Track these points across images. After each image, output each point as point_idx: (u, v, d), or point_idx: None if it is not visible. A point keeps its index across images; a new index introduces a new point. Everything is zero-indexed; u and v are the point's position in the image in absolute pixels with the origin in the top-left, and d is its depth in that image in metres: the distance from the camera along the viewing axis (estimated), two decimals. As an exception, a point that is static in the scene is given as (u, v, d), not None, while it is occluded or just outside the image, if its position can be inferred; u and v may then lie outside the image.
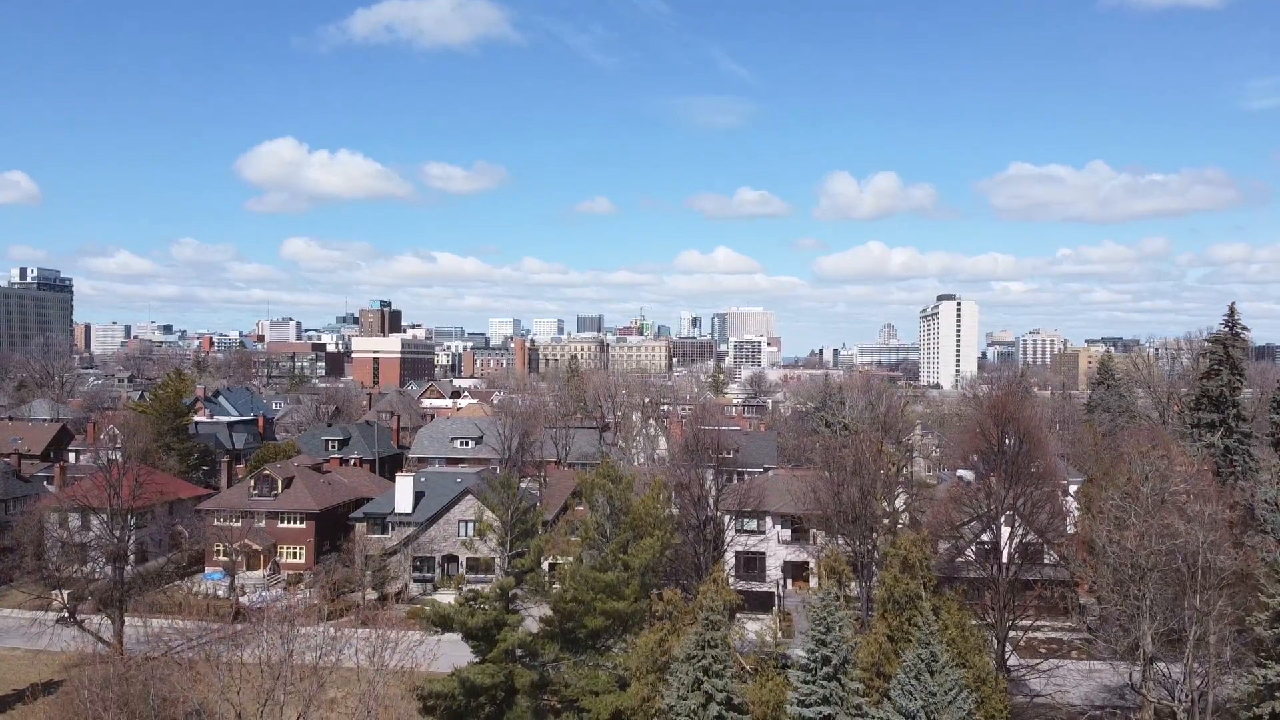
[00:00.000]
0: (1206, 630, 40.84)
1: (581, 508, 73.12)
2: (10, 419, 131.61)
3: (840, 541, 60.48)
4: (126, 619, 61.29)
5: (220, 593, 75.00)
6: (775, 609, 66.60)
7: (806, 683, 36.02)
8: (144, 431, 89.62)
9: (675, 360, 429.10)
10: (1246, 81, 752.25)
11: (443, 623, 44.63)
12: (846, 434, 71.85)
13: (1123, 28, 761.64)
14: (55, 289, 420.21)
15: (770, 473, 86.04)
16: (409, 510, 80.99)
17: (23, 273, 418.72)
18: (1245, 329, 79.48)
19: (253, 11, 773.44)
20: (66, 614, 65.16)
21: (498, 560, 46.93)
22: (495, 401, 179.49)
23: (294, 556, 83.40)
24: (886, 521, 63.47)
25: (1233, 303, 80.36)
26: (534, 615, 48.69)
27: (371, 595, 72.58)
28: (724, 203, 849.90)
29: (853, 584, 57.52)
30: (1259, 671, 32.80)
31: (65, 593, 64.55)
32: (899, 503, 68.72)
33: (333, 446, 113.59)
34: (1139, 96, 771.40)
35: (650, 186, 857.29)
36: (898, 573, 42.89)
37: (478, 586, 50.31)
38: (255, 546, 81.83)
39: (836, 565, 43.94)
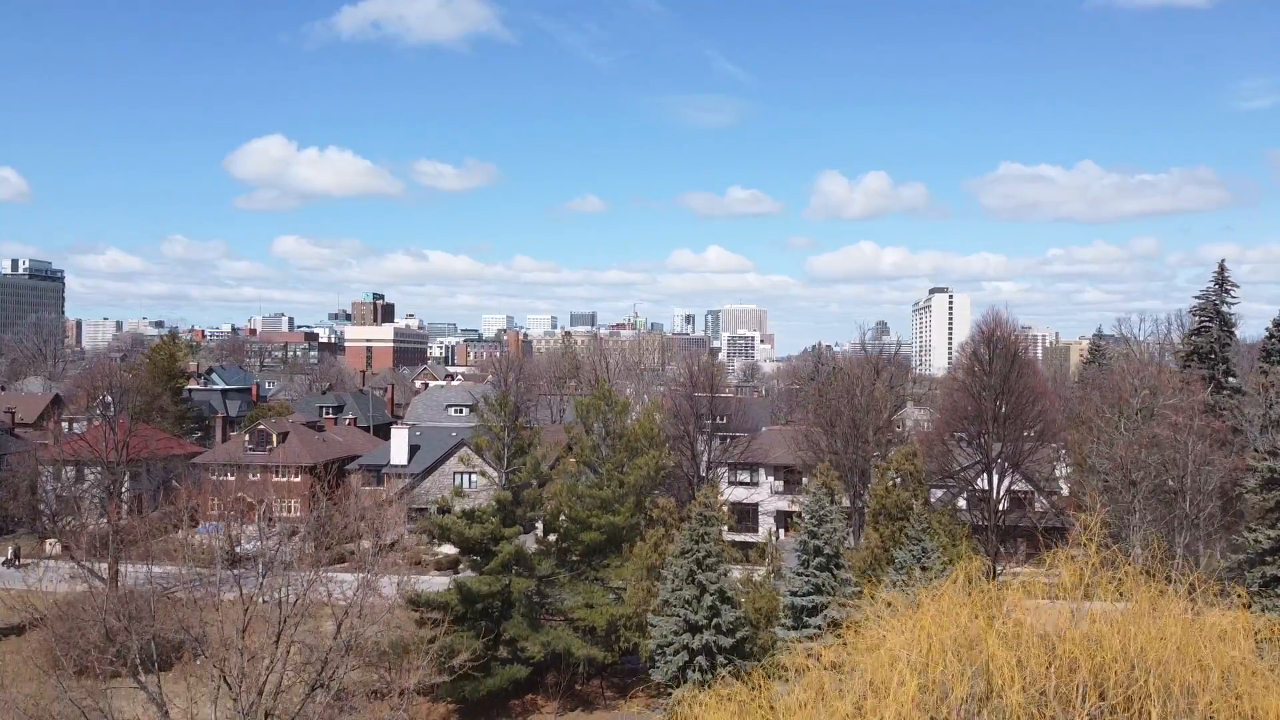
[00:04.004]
0: (1195, 539, 41.33)
1: (573, 458, 73.56)
2: (3, 389, 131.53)
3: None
4: (120, 567, 61.27)
5: (214, 544, 75.11)
6: (768, 550, 67.06)
7: (799, 574, 36.43)
8: (138, 390, 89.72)
9: (668, 356, 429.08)
10: (1237, 82, 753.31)
11: (442, 534, 44.98)
12: (839, 377, 72.21)
13: (1112, 27, 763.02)
14: (47, 279, 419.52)
15: (764, 429, 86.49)
16: (404, 463, 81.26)
17: (14, 263, 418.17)
18: (1235, 285, 79.34)
19: (239, 9, 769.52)
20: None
21: (494, 476, 47.29)
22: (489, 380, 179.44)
23: (288, 510, 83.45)
24: (878, 467, 63.86)
25: (1222, 260, 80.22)
26: (530, 545, 48.99)
27: (365, 545, 72.74)
28: (715, 201, 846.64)
29: (848, 537, 57.87)
30: (1248, 536, 33.16)
31: (57, 542, 64.79)
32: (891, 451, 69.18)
33: (327, 412, 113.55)
34: (1129, 97, 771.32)
35: (641, 185, 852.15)
36: (889, 485, 43.30)
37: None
38: (249, 499, 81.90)
39: (825, 474, 44.45)
